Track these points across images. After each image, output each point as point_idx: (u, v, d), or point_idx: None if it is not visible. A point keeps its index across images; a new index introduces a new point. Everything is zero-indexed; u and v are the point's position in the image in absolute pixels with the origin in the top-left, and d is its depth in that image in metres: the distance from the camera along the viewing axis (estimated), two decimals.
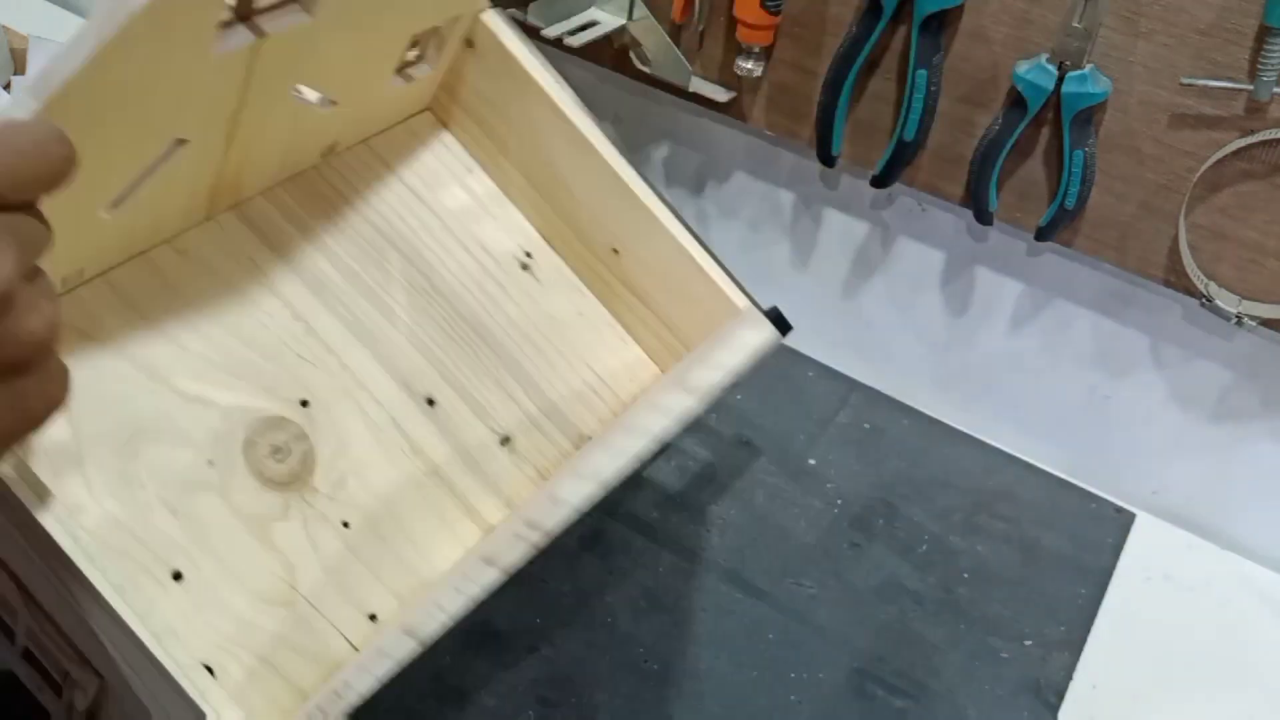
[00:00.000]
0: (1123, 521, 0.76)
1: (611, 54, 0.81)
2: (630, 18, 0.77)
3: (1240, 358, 0.72)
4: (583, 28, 0.77)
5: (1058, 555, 0.73)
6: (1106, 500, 0.78)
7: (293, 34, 0.49)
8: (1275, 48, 0.58)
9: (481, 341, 0.62)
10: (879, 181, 0.75)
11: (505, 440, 0.58)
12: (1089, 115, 0.65)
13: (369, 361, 0.58)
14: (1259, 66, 0.59)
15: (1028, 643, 0.67)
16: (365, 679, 0.40)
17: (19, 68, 1.04)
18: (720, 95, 0.78)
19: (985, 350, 0.83)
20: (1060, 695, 0.65)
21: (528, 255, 0.67)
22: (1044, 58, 0.65)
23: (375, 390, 0.58)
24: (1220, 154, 0.63)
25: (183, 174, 0.52)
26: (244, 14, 0.48)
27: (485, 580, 0.44)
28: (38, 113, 0.39)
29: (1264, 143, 0.62)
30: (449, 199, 0.66)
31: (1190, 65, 0.62)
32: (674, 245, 0.61)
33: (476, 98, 0.67)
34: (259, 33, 0.47)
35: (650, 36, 0.77)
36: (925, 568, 0.71)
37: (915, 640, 0.67)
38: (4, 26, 1.06)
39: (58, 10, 1.20)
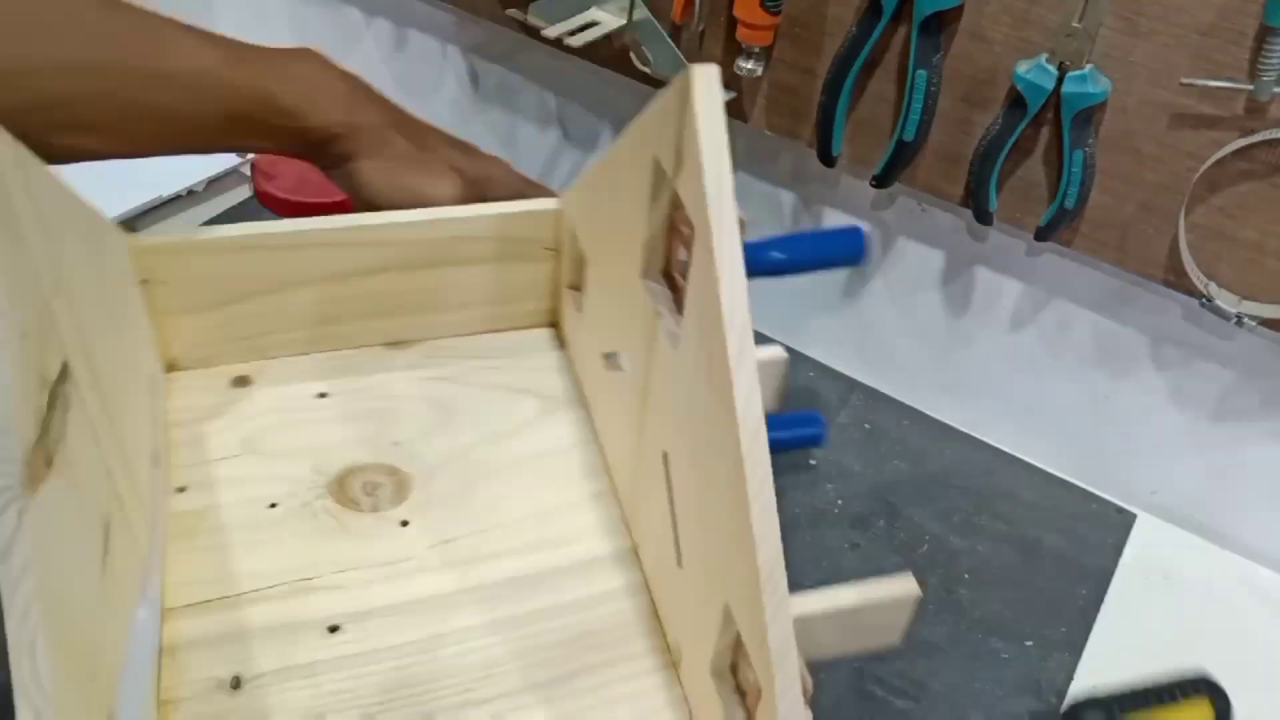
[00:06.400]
0: (1123, 521, 0.77)
1: (611, 54, 0.81)
2: (630, 18, 0.77)
3: (1240, 358, 0.72)
4: (583, 28, 0.77)
5: (1058, 555, 0.73)
6: (1107, 500, 0.78)
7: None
8: (1275, 48, 0.58)
9: None
10: (879, 182, 0.75)
11: None
12: (1089, 115, 0.65)
13: None
14: (1259, 66, 0.59)
15: (1028, 643, 0.67)
16: None
17: None
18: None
19: (985, 350, 0.83)
20: (1060, 695, 0.65)
21: None
22: (1044, 58, 0.65)
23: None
24: (1220, 154, 0.63)
25: None
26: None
27: None
28: None
29: (1264, 143, 0.62)
30: None
31: (1190, 65, 0.62)
32: None
33: None
34: None
35: (650, 36, 0.77)
36: (925, 568, 0.71)
37: (915, 640, 0.67)
38: None
39: None
